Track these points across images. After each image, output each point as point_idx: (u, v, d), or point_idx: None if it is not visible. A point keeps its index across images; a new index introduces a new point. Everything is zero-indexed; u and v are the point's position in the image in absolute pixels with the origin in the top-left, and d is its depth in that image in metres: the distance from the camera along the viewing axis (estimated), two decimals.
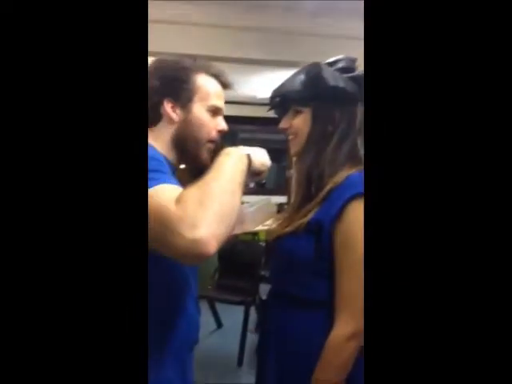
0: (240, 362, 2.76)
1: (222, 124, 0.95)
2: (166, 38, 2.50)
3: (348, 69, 0.99)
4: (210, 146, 0.94)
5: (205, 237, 0.64)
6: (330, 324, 0.88)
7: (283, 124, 1.01)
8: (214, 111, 0.93)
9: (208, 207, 0.66)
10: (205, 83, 0.92)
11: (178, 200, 0.67)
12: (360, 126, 0.97)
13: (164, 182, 0.72)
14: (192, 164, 0.95)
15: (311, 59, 1.03)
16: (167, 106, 0.90)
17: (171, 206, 0.66)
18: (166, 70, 0.91)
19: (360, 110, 0.97)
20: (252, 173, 0.83)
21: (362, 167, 0.93)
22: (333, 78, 0.95)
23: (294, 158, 1.04)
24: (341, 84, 0.95)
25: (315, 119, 0.97)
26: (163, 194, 0.69)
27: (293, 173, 1.03)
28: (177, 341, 0.89)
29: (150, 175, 0.72)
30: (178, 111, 0.91)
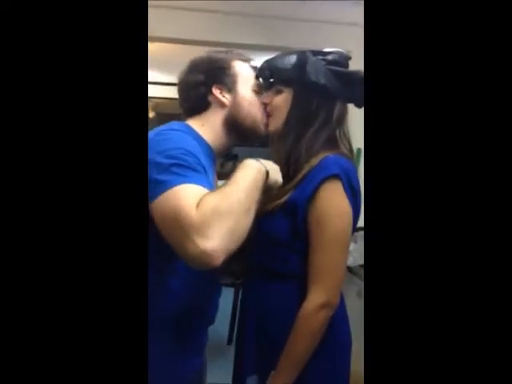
0: (230, 341, 2.84)
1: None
2: (164, 23, 2.53)
3: (337, 63, 1.01)
4: (266, 121, 1.03)
5: (215, 250, 0.70)
6: (304, 296, 0.94)
7: (265, 98, 1.05)
8: (257, 91, 1.04)
9: (224, 221, 0.71)
10: (242, 67, 1.04)
11: (198, 206, 0.72)
12: (337, 120, 1.02)
13: (191, 181, 0.76)
14: (249, 142, 1.04)
15: (307, 45, 1.09)
16: (216, 92, 0.99)
17: (191, 211, 0.71)
18: (205, 63, 1.02)
19: (338, 105, 1.02)
20: (265, 189, 0.85)
21: (337, 151, 0.98)
22: (315, 74, 0.98)
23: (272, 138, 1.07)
24: (322, 81, 0.98)
25: (295, 102, 1.01)
26: (185, 196, 0.73)
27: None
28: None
29: (182, 171, 0.77)
30: (227, 95, 1.00)
